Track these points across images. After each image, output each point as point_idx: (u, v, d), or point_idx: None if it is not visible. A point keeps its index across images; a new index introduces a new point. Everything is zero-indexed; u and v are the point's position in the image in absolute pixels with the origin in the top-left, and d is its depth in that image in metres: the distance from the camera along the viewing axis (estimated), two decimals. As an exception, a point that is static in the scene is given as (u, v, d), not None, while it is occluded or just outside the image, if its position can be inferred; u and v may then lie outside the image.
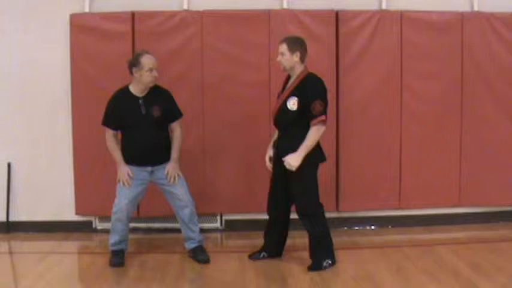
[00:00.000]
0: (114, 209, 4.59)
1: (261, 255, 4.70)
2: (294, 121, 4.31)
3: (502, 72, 5.57)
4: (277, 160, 4.45)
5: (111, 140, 4.61)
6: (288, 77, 4.46)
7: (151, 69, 4.44)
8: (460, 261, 4.60)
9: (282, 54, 4.34)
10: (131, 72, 4.46)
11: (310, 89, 4.29)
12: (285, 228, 4.67)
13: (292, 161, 4.23)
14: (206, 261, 4.62)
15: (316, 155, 4.36)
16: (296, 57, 4.32)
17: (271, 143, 4.60)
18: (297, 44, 4.33)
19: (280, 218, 4.61)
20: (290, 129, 4.36)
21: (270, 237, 4.69)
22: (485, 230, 5.55)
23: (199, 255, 4.66)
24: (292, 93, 4.31)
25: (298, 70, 4.36)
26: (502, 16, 5.54)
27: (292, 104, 4.29)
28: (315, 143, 4.28)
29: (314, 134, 4.25)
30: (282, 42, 4.37)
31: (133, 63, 4.44)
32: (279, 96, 4.48)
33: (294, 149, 4.27)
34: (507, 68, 5.57)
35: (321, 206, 4.46)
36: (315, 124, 4.23)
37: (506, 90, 5.59)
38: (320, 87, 4.32)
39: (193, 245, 4.71)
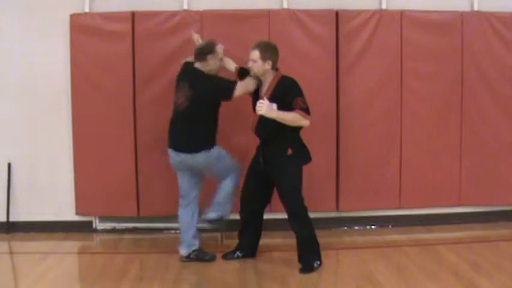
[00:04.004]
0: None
1: (235, 255, 4.73)
2: (276, 127, 4.26)
3: (502, 72, 5.57)
4: (262, 164, 4.44)
5: None
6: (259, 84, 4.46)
7: (221, 59, 4.63)
8: (460, 260, 4.61)
9: (254, 61, 4.35)
10: (204, 59, 4.53)
11: (288, 90, 4.29)
12: (259, 229, 4.72)
13: (265, 107, 4.11)
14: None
15: (300, 157, 4.40)
16: (268, 65, 4.34)
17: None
18: (269, 52, 4.34)
19: (253, 218, 4.66)
20: (274, 135, 4.35)
21: (244, 238, 4.74)
22: (485, 229, 5.56)
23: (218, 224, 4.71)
24: (271, 100, 4.25)
25: (269, 77, 4.38)
26: (502, 16, 5.54)
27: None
28: (289, 121, 4.20)
29: (294, 115, 4.18)
30: (254, 48, 4.36)
31: (210, 50, 4.55)
32: (254, 106, 4.33)
33: (282, 154, 4.32)
34: (507, 68, 5.57)
35: (304, 207, 4.45)
36: (297, 111, 4.20)
37: (506, 90, 5.58)
38: (297, 87, 4.31)
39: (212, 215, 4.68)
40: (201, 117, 4.53)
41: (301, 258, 4.47)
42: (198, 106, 4.48)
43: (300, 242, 4.47)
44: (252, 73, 4.43)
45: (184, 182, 4.71)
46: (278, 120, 4.20)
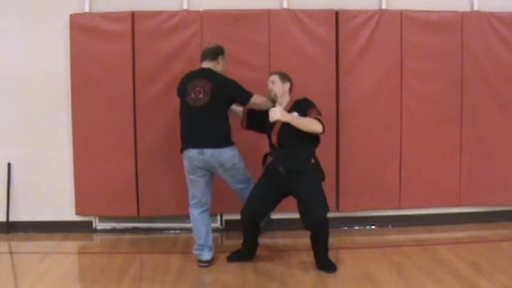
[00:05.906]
0: None
1: (239, 257, 4.72)
2: (299, 138, 4.37)
3: (502, 72, 5.57)
4: (284, 174, 4.37)
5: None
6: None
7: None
8: (460, 261, 4.61)
9: (273, 81, 4.55)
10: (215, 59, 4.60)
11: (304, 104, 4.45)
12: (258, 234, 4.69)
13: (279, 111, 4.25)
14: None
15: (320, 170, 4.48)
16: (287, 87, 4.57)
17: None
18: (286, 77, 4.60)
19: (254, 228, 4.61)
20: (297, 146, 4.41)
21: (248, 246, 4.70)
22: (485, 229, 5.55)
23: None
24: (290, 111, 4.40)
25: (286, 99, 4.56)
26: (502, 16, 5.54)
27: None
28: (304, 124, 4.29)
29: (309, 119, 4.31)
30: (272, 74, 4.63)
31: (221, 51, 4.65)
32: (262, 127, 4.58)
33: (306, 162, 4.40)
34: (507, 68, 5.57)
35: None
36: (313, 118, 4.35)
37: (506, 90, 5.58)
38: (311, 101, 4.47)
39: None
40: (222, 111, 4.51)
41: (323, 260, 4.45)
42: (219, 100, 4.45)
43: (322, 244, 4.43)
44: (271, 94, 4.50)
45: (200, 187, 4.56)
46: (293, 123, 4.28)
